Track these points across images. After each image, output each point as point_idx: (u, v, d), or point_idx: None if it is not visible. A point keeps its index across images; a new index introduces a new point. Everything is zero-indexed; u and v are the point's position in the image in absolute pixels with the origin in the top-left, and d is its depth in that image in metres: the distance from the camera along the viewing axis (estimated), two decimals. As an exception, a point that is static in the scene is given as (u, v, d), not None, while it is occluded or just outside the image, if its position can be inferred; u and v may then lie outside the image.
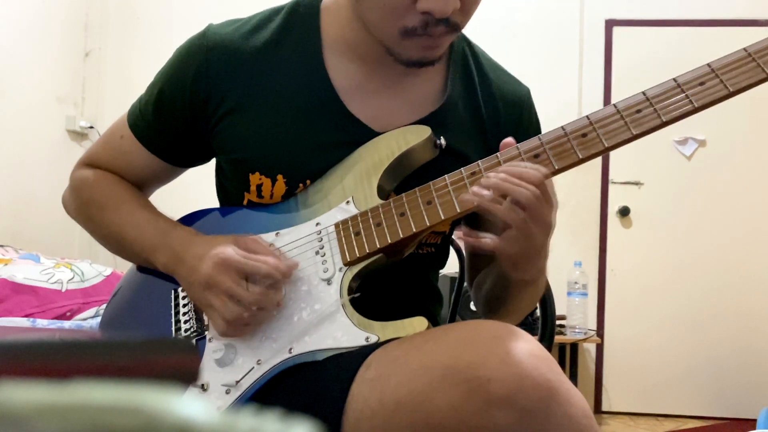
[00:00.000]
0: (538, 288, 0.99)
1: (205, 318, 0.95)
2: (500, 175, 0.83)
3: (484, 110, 1.02)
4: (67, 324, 2.29)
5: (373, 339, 0.84)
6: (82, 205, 1.09)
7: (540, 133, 0.92)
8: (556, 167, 0.86)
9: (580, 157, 0.86)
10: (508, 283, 0.96)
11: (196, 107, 0.98)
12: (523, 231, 0.83)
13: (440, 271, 1.13)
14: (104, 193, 1.05)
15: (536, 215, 0.82)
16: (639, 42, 3.95)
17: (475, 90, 1.03)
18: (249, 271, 0.87)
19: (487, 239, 0.85)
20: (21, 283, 2.41)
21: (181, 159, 1.07)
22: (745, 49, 0.84)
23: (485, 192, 0.83)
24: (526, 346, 0.71)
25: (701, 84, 0.84)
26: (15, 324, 2.15)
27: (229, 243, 0.90)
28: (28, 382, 0.22)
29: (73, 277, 2.53)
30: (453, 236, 1.12)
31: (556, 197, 0.88)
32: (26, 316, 2.28)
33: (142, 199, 1.07)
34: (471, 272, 1.12)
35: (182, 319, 0.97)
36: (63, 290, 2.45)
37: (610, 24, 3.98)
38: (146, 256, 0.99)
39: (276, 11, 1.01)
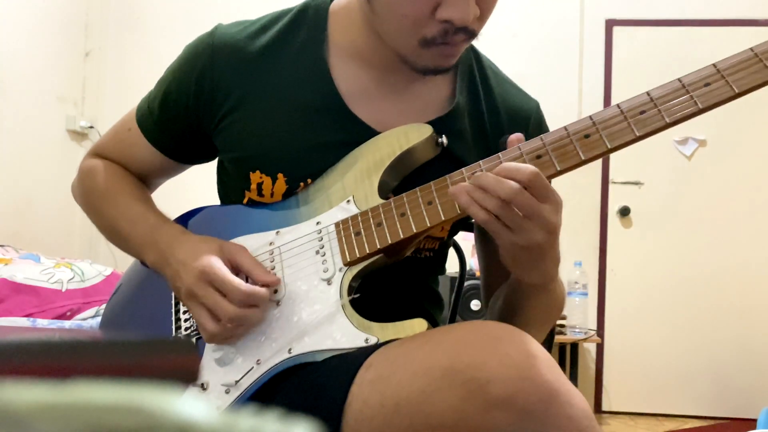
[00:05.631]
0: (551, 297, 0.94)
1: None
2: (487, 175, 0.80)
3: (488, 122, 1.02)
4: (67, 324, 2.29)
5: (373, 341, 0.83)
6: (85, 195, 1.11)
7: None
8: (559, 168, 0.85)
9: (583, 158, 0.84)
10: (519, 290, 0.93)
11: (200, 105, 0.99)
12: (513, 224, 0.79)
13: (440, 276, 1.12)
14: (105, 184, 1.07)
15: (526, 210, 0.78)
16: (639, 42, 3.95)
17: (479, 101, 1.02)
18: (227, 291, 0.86)
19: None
20: (21, 283, 2.41)
21: (184, 156, 1.08)
22: (751, 49, 0.82)
23: (464, 187, 0.81)
24: (525, 347, 0.70)
25: (707, 85, 0.82)
26: (15, 324, 2.15)
27: (213, 252, 0.89)
28: (28, 382, 0.22)
29: (73, 277, 2.53)
30: (456, 237, 1.11)
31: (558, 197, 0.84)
32: (26, 316, 2.28)
33: (140, 191, 1.07)
34: (486, 292, 1.09)
35: (182, 317, 0.97)
36: (63, 290, 2.45)
37: (610, 24, 3.98)
38: (137, 252, 1.01)
39: (284, 13, 1.02)
